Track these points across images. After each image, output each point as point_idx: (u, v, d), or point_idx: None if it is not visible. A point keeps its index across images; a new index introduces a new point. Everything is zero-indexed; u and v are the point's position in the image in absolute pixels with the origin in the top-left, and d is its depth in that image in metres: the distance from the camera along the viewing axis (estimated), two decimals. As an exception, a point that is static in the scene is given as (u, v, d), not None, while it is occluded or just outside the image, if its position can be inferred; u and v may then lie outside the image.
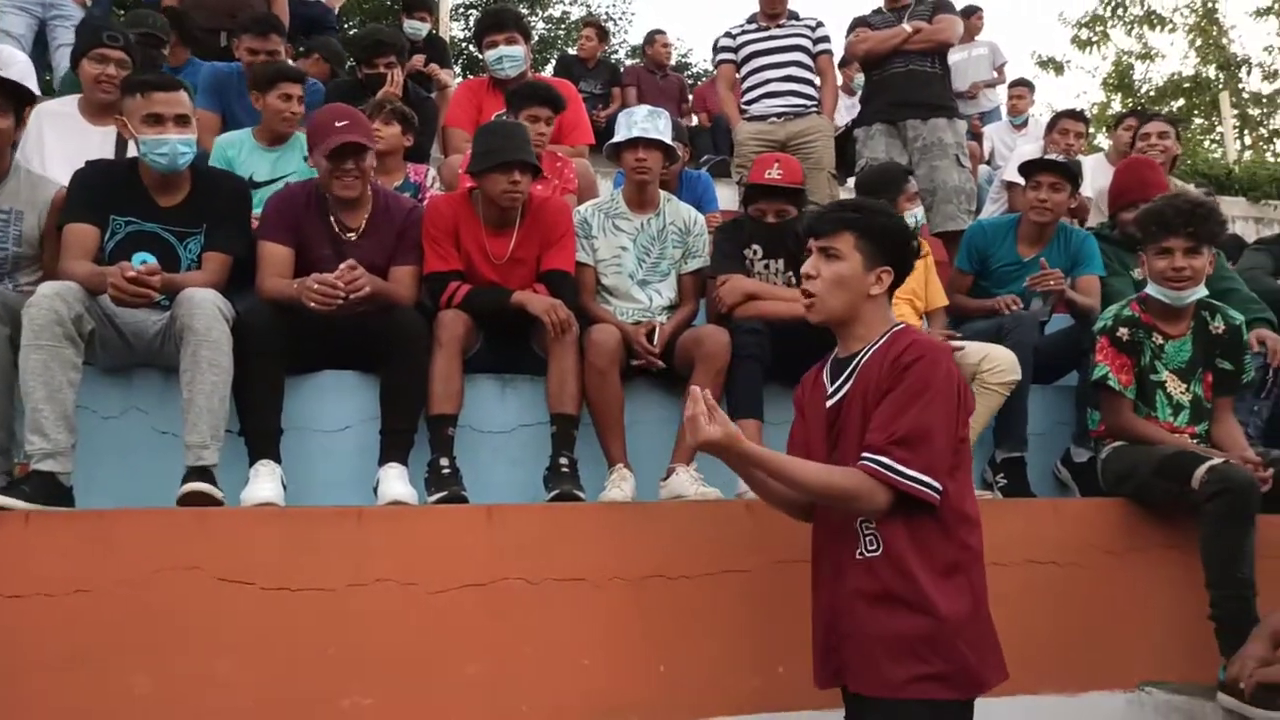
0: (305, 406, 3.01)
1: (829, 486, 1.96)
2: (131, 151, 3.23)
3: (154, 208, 3.01)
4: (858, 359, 2.07)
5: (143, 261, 2.90)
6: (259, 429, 2.78)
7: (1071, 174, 3.85)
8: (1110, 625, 2.88)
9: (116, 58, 3.84)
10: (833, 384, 2.12)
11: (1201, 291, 3.00)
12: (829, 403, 2.11)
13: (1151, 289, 3.04)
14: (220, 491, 2.57)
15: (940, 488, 1.92)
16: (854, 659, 2.01)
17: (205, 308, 2.68)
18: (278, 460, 2.76)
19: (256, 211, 3.34)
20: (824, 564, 2.14)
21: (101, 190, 2.98)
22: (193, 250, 3.05)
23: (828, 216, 2.13)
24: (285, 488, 2.71)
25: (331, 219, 3.14)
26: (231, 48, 4.83)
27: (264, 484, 2.66)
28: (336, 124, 3.05)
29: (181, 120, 2.97)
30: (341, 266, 2.87)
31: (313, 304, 2.83)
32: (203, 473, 2.57)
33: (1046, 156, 4.07)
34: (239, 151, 3.97)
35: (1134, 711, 2.82)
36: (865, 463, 1.93)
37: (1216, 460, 2.76)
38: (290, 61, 4.78)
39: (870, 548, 1.98)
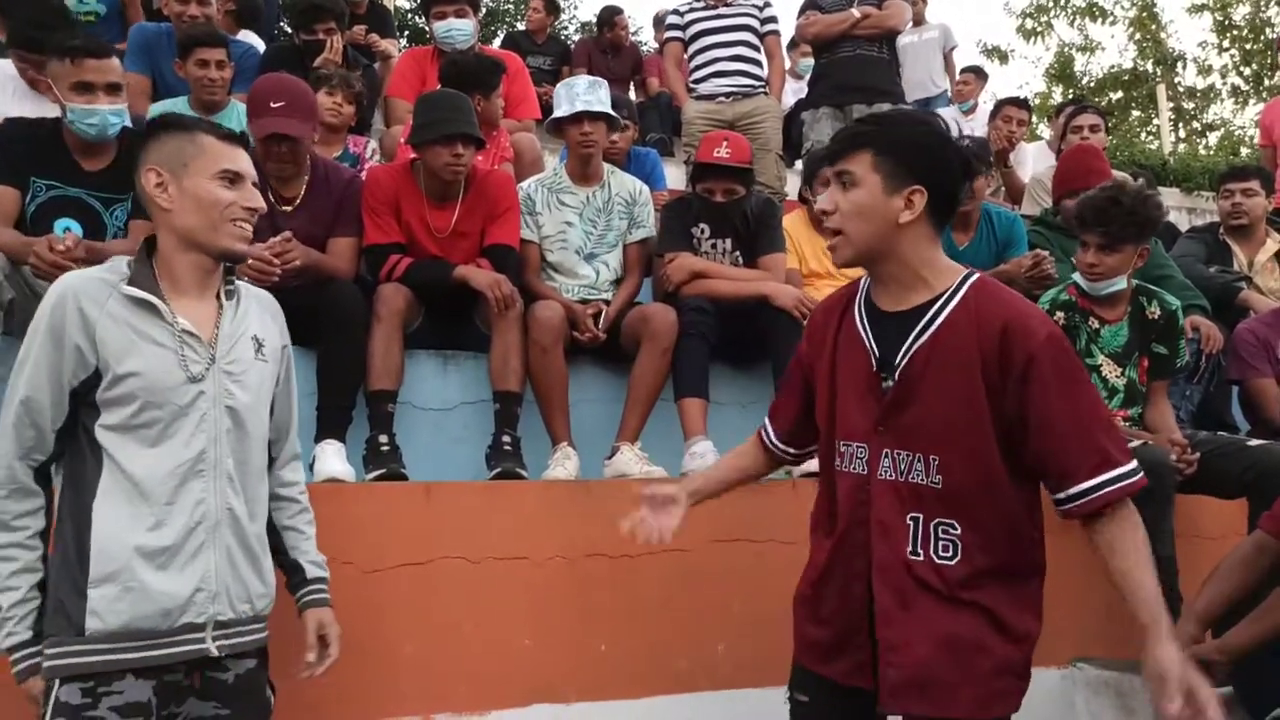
0: (238, 381, 2.91)
1: (1149, 561, 1.66)
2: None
3: (78, 172, 2.88)
4: (930, 316, 1.72)
5: (66, 229, 2.78)
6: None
7: (980, 158, 3.86)
8: (1045, 602, 2.93)
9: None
10: (882, 344, 1.76)
11: (1119, 285, 3.04)
12: (893, 369, 1.73)
13: (1076, 275, 3.11)
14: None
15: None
16: (903, 677, 1.71)
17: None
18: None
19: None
20: (849, 557, 1.80)
21: (22, 151, 2.84)
22: (119, 217, 2.93)
23: (842, 135, 1.80)
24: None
25: (267, 188, 3.04)
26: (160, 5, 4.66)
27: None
28: (272, 104, 2.94)
29: (112, 89, 2.84)
30: (275, 239, 2.78)
31: (246, 278, 2.73)
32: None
33: None
34: (171, 119, 3.82)
35: (1066, 687, 2.88)
36: (1107, 491, 1.64)
37: (1136, 444, 2.81)
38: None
39: (944, 554, 1.70)
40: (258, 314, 1.91)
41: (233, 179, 1.78)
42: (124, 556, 1.66)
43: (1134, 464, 1.67)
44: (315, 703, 2.26)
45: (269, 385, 1.90)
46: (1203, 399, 3.71)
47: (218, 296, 1.84)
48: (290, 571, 2.02)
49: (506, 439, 2.89)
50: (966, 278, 1.75)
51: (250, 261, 2.72)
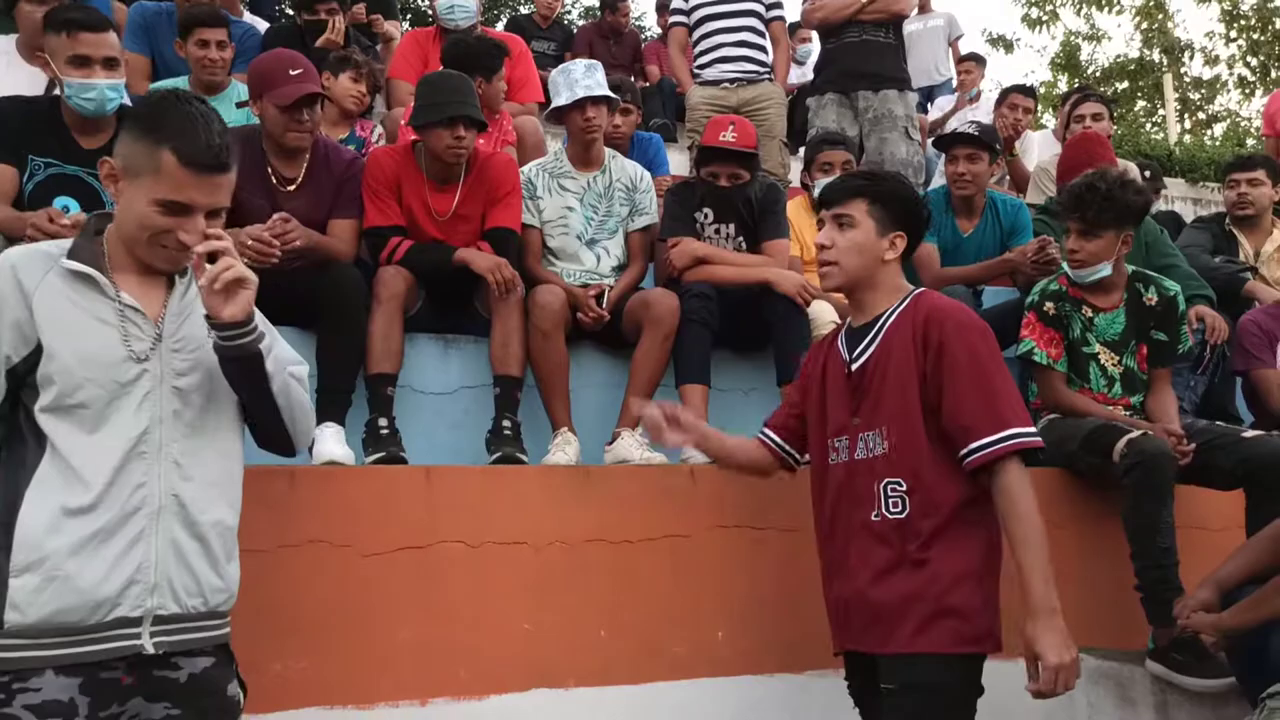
0: (238, 363, 2.90)
1: (1035, 510, 1.97)
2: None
3: (77, 149, 2.86)
4: (879, 325, 2.13)
5: (64, 208, 2.76)
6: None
7: (985, 143, 3.84)
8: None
9: None
10: (852, 352, 2.16)
11: (1104, 271, 3.01)
12: (852, 368, 2.14)
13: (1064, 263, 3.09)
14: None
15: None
16: (865, 622, 2.07)
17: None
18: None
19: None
20: (837, 533, 2.15)
21: (19, 129, 2.82)
22: (119, 197, 2.91)
23: (838, 186, 2.21)
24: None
25: (269, 169, 3.02)
26: None
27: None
28: (291, 72, 2.93)
29: (110, 63, 2.81)
30: (274, 218, 2.76)
31: (245, 260, 2.70)
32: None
33: (957, 130, 4.01)
34: (171, 98, 3.80)
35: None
36: (999, 446, 1.95)
37: (1135, 433, 2.79)
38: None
39: (894, 510, 2.03)
40: None
41: (178, 209, 1.62)
42: (49, 545, 1.55)
43: (1030, 428, 1.98)
44: (312, 686, 2.26)
45: None
46: (1207, 389, 3.69)
47: (169, 273, 1.74)
48: None
49: (507, 423, 2.87)
50: (912, 292, 2.15)
51: (249, 242, 2.70)
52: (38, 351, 1.59)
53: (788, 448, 2.38)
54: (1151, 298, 3.07)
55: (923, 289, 2.18)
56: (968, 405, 1.98)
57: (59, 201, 2.79)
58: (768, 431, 2.41)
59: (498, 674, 2.41)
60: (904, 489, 2.02)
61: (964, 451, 1.98)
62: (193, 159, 1.61)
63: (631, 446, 2.88)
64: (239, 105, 3.80)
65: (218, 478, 1.73)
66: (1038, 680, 1.90)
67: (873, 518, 2.04)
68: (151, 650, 1.61)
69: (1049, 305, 3.09)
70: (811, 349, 2.40)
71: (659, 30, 8.70)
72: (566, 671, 2.46)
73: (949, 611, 1.96)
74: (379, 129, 4.13)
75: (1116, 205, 2.93)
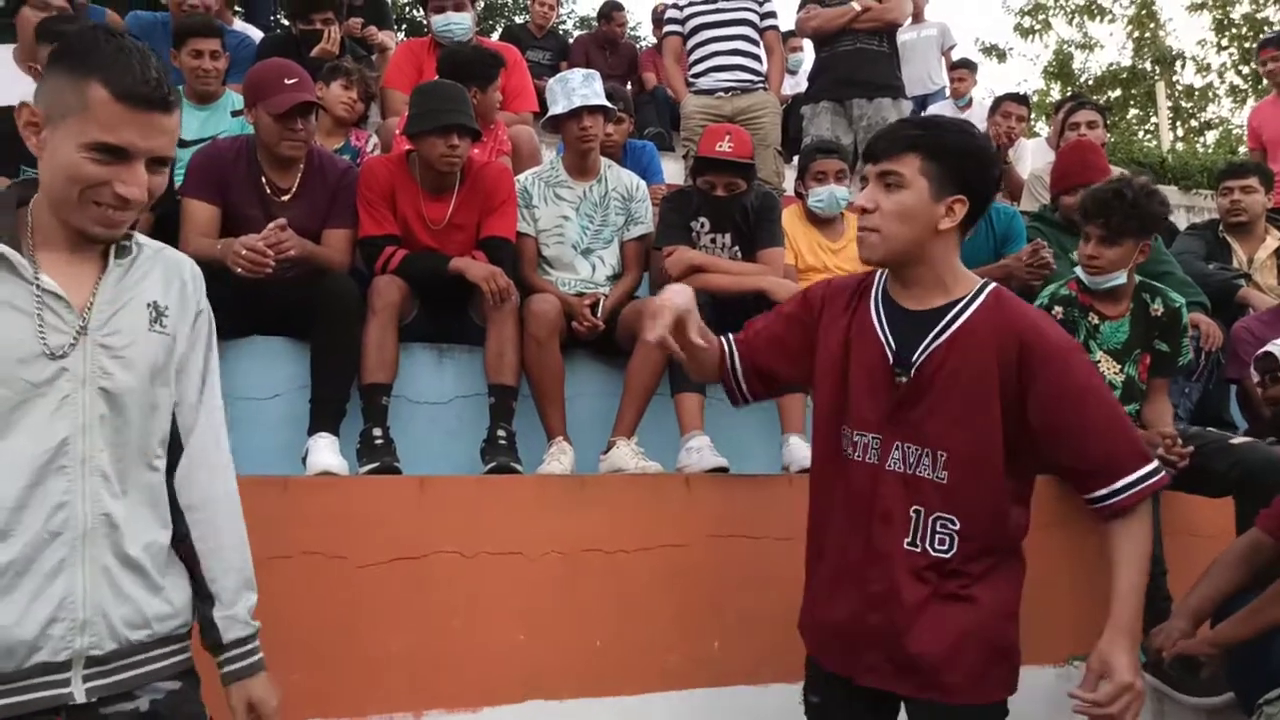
0: (232, 373, 2.88)
1: (1148, 549, 1.76)
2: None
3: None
4: (949, 317, 1.77)
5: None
6: (181, 396, 2.66)
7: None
8: (1039, 601, 2.89)
9: (58, 5, 3.64)
10: (902, 340, 1.79)
11: (1119, 280, 3.02)
12: (908, 364, 1.77)
13: (1078, 269, 3.08)
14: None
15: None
16: (910, 664, 1.78)
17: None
18: (201, 428, 2.64)
19: (182, 173, 3.19)
20: (850, 546, 1.85)
21: (7, 137, 2.81)
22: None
23: (889, 135, 1.80)
24: (208, 457, 2.60)
25: (263, 179, 3.02)
26: None
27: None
28: (286, 81, 2.93)
29: None
30: (269, 227, 2.75)
31: (240, 269, 2.71)
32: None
33: None
34: (166, 108, 3.80)
35: (1063, 685, 2.85)
36: (1134, 491, 1.72)
37: None
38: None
39: (940, 547, 1.75)
40: (161, 276, 1.51)
41: (112, 154, 1.34)
42: None
43: (1155, 464, 1.75)
44: (305, 698, 2.24)
45: (167, 363, 1.49)
46: (1202, 397, 3.70)
47: (105, 254, 1.45)
48: (203, 629, 1.59)
49: (501, 433, 2.86)
50: (984, 286, 1.81)
51: (244, 252, 2.69)
52: None
53: (743, 382, 2.02)
54: (1158, 309, 3.08)
55: (997, 284, 1.84)
56: (1105, 442, 1.72)
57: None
58: (733, 349, 2.03)
59: (492, 685, 2.40)
60: (956, 528, 1.74)
61: (1104, 492, 1.73)
62: (128, 91, 1.33)
63: (627, 456, 2.87)
64: (234, 114, 3.81)
65: (151, 494, 1.48)
66: (1094, 691, 1.69)
67: (906, 545, 1.76)
68: (82, 699, 1.37)
69: (1057, 310, 3.09)
70: (828, 289, 1.95)
71: (653, 40, 8.72)
72: (561, 682, 2.45)
73: (1002, 656, 1.79)
74: (374, 139, 4.13)
75: (1141, 214, 2.92)
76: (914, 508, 1.76)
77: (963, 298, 1.79)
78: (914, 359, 1.77)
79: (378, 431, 2.77)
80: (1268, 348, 3.01)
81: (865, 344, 1.83)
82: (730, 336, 2.05)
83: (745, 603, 2.62)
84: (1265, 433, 3.38)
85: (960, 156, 1.75)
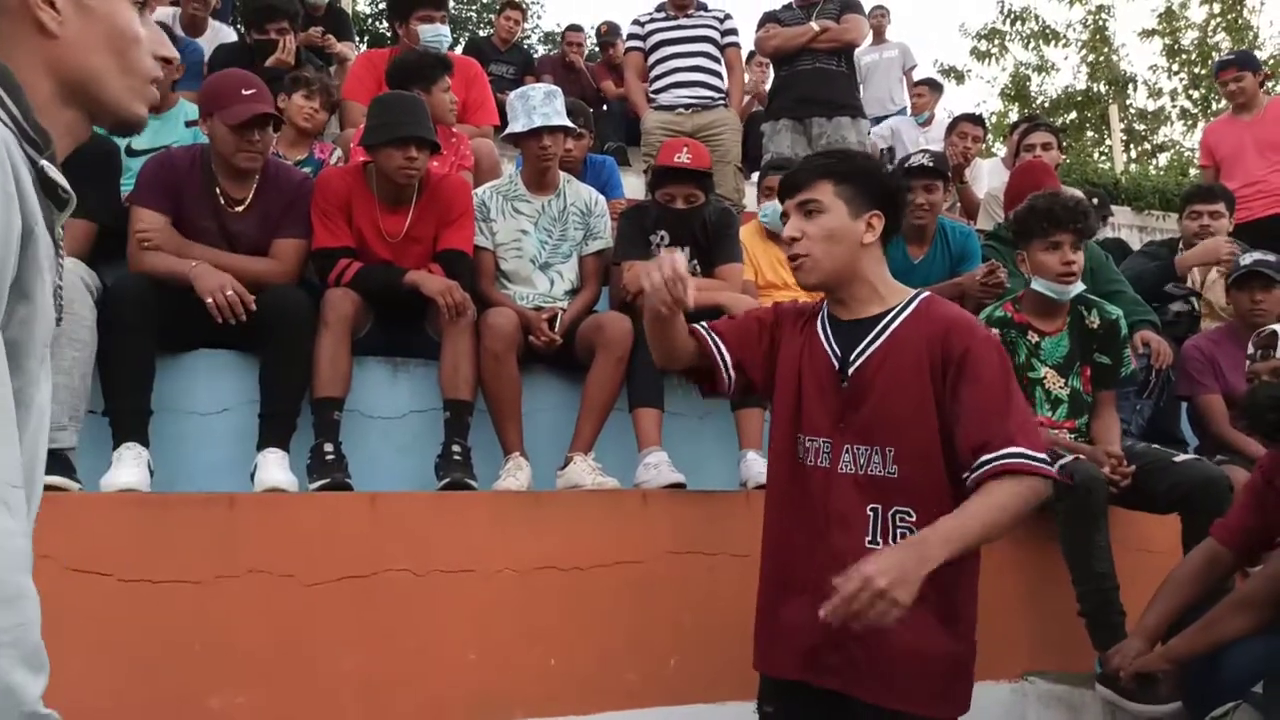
0: (179, 387, 2.83)
1: (1010, 512, 1.69)
2: None
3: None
4: (883, 324, 1.88)
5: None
6: (125, 409, 2.59)
7: (940, 172, 3.87)
8: (994, 617, 2.90)
9: None
10: (844, 349, 1.89)
11: (1081, 286, 3.08)
12: (848, 369, 1.87)
13: (1037, 284, 3.09)
14: (77, 482, 2.39)
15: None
16: (873, 668, 1.79)
17: (66, 278, 2.47)
18: (145, 443, 2.58)
19: (131, 182, 3.12)
20: (808, 551, 1.88)
21: None
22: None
23: (801, 169, 1.95)
24: (152, 473, 2.54)
25: (217, 189, 2.96)
26: None
27: (127, 468, 2.48)
28: (244, 91, 2.87)
29: None
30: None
31: (214, 312, 2.70)
32: (56, 456, 2.37)
33: (911, 163, 3.86)
34: (116, 116, 3.73)
35: (1018, 700, 2.87)
36: (1006, 460, 1.70)
37: (1066, 459, 2.81)
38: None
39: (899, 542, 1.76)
40: None
41: (142, 4, 1.21)
42: None
43: (1044, 456, 1.75)
44: (251, 721, 2.18)
45: None
46: (1153, 413, 3.75)
47: None
48: None
49: (456, 448, 2.82)
50: (919, 294, 1.93)
51: (223, 299, 2.68)
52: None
53: (730, 368, 2.02)
54: (1094, 320, 3.12)
55: (929, 292, 1.95)
56: (984, 422, 1.74)
57: None
58: (715, 338, 2.03)
59: (442, 705, 2.36)
60: (913, 520, 1.78)
61: (971, 471, 1.74)
62: None
63: (584, 472, 2.85)
64: (188, 124, 3.74)
65: None
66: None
67: (867, 543, 1.80)
68: None
69: (995, 332, 3.12)
70: (791, 308, 2.05)
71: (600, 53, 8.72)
72: (514, 702, 2.42)
73: (967, 674, 1.84)
74: (337, 152, 4.08)
75: (1093, 218, 3.07)
76: (870, 506, 1.82)
77: (895, 305, 1.91)
78: (852, 359, 1.88)
79: (329, 447, 2.72)
80: (1274, 326, 3.02)
81: (814, 355, 1.94)
82: (705, 324, 2.06)
83: (702, 619, 2.60)
84: (1216, 450, 3.44)
85: (867, 175, 1.92)
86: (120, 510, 2.28)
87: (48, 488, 2.27)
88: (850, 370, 1.88)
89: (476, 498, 2.68)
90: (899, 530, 1.80)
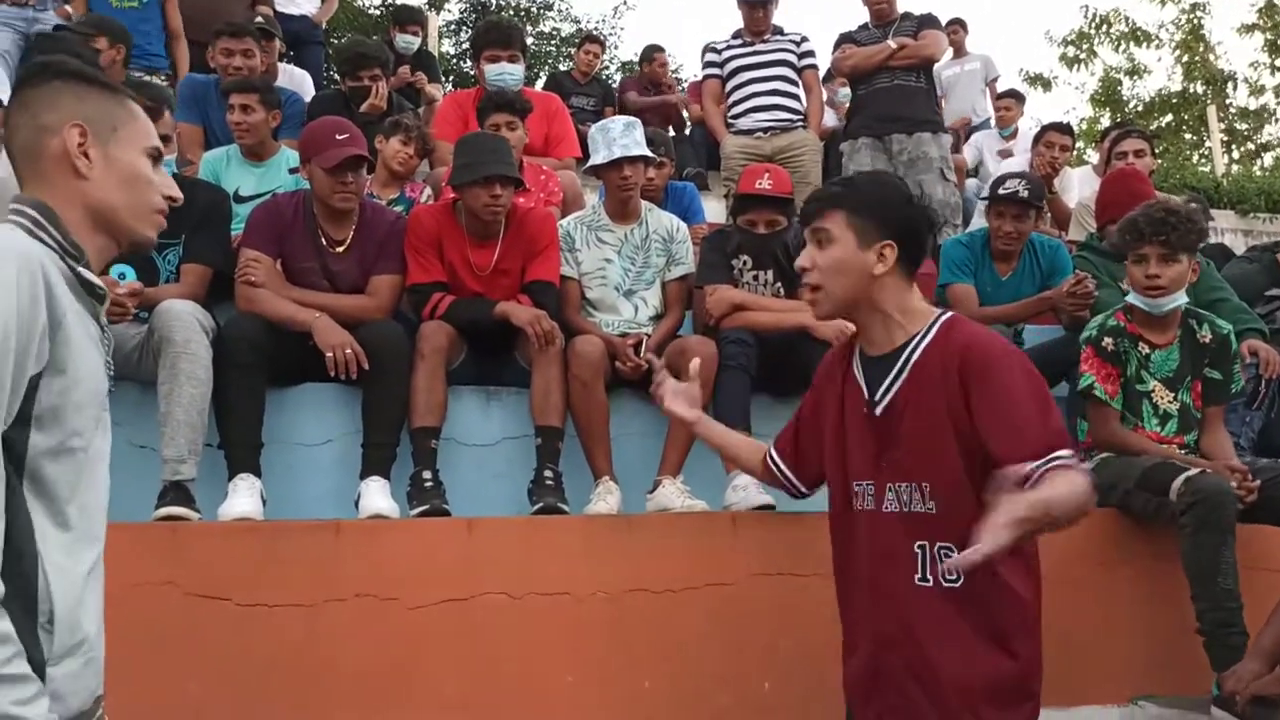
0: (286, 420, 2.97)
1: (1079, 497, 1.60)
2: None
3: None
4: (904, 357, 1.85)
5: (121, 276, 2.87)
6: (239, 442, 2.74)
7: (1031, 203, 3.80)
8: (1103, 638, 2.84)
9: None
10: (872, 387, 1.89)
11: (1181, 299, 2.98)
12: (876, 409, 1.87)
13: (1132, 297, 3.02)
14: (197, 512, 2.53)
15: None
16: (934, 703, 1.79)
17: (184, 320, 2.64)
18: (258, 474, 2.72)
19: (239, 230, 3.30)
20: (861, 593, 1.90)
21: None
22: (171, 261, 3.02)
23: (816, 197, 1.94)
24: (265, 502, 2.67)
25: (319, 231, 3.12)
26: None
27: (242, 498, 2.62)
28: (337, 136, 3.03)
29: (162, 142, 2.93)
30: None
31: (330, 367, 2.83)
32: (179, 488, 2.53)
33: (1005, 190, 3.83)
34: (224, 166, 3.95)
35: (1127, 726, 2.78)
36: (1058, 462, 1.64)
37: (1193, 471, 2.72)
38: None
39: (948, 577, 1.77)
40: None
41: (156, 159, 1.45)
42: (85, 624, 1.28)
43: (1066, 451, 1.68)
44: (359, 739, 2.27)
45: None
46: (1264, 425, 3.60)
47: None
48: None
49: (548, 474, 2.89)
50: (939, 318, 1.87)
51: (348, 353, 2.81)
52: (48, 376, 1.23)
53: (791, 475, 2.14)
54: (1205, 335, 3.02)
55: (953, 313, 1.91)
56: (1014, 432, 1.70)
57: (116, 269, 2.90)
58: (773, 455, 2.18)
59: (542, 726, 2.40)
60: (953, 552, 1.73)
61: (1024, 474, 1.66)
62: (144, 105, 1.50)
63: (673, 495, 2.88)
64: (291, 171, 3.93)
65: None
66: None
67: (917, 581, 1.80)
68: None
69: (1108, 340, 3.04)
70: (826, 362, 2.08)
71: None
72: (611, 723, 2.45)
73: (1026, 689, 1.81)
74: (428, 190, 4.23)
75: (1196, 228, 2.93)
76: (917, 544, 1.81)
77: (916, 333, 1.86)
78: (878, 399, 1.87)
79: (427, 474, 2.82)
80: None
81: (852, 396, 1.94)
82: (770, 445, 2.20)
83: (795, 641, 2.60)
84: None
85: (880, 206, 1.87)
86: (236, 538, 2.41)
87: (171, 518, 2.43)
88: (878, 410, 1.87)
89: (569, 522, 2.73)
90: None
